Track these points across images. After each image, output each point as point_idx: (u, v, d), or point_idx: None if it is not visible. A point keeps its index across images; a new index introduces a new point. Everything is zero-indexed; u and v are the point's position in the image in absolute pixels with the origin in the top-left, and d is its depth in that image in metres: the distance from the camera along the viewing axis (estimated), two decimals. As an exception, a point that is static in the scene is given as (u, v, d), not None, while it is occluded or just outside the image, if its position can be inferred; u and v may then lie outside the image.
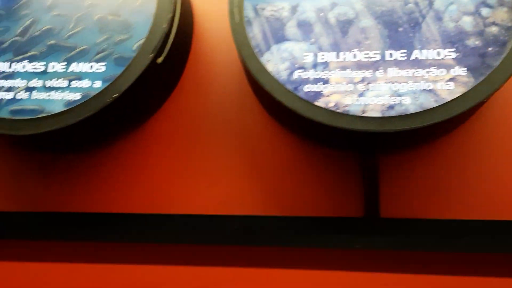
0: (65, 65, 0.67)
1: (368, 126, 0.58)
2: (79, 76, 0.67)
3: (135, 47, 0.67)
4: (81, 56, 0.69)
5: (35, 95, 0.68)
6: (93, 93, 0.64)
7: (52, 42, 0.70)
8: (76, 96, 0.65)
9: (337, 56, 0.64)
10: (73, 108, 0.61)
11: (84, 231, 0.65)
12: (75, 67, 0.66)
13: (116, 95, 0.60)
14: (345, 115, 0.58)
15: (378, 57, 0.63)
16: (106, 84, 0.63)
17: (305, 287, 0.58)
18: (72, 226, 0.66)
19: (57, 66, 0.67)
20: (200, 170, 0.66)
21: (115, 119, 0.65)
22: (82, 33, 0.70)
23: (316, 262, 0.59)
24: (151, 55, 0.61)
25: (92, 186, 0.68)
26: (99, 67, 0.65)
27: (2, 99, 0.69)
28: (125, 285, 0.62)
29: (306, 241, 0.59)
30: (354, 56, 0.64)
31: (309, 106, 0.56)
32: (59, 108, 0.66)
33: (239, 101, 0.68)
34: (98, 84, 0.65)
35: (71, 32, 0.70)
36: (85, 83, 0.65)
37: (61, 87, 0.66)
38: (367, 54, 0.63)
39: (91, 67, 0.65)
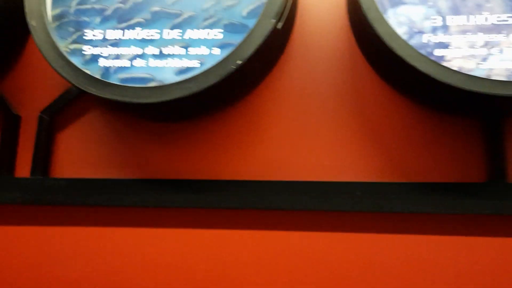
0: (180, 32, 0.66)
1: (495, 89, 0.58)
2: (193, 43, 0.66)
3: (245, 12, 0.66)
4: (189, 22, 0.68)
5: (144, 62, 0.68)
6: (211, 61, 0.63)
7: (156, 8, 0.69)
8: (194, 63, 0.64)
9: (458, 20, 0.62)
10: (196, 76, 0.61)
11: (197, 197, 0.66)
12: (191, 33, 0.65)
13: (240, 62, 0.59)
14: (475, 78, 0.57)
15: (500, 21, 0.62)
16: (226, 51, 0.62)
17: (437, 252, 0.59)
18: (186, 193, 0.67)
19: (171, 33, 0.66)
20: (313, 137, 0.66)
21: (230, 87, 0.65)
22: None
23: (445, 228, 0.59)
24: (273, 21, 0.60)
25: (203, 153, 0.69)
26: (216, 33, 0.64)
27: (110, 66, 0.68)
28: (246, 250, 0.63)
29: (432, 207, 0.59)
30: (475, 19, 0.63)
31: (443, 70, 0.56)
32: (170, 77, 0.66)
33: (349, 65, 0.67)
34: (216, 51, 0.64)
35: (175, -1, 0.69)
36: (202, 50, 0.65)
37: (175, 54, 0.66)
38: (488, 17, 0.62)
39: (208, 33, 0.65)
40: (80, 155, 0.73)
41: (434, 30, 0.63)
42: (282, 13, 0.60)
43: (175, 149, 0.70)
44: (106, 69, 0.68)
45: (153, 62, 0.66)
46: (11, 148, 0.73)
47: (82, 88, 0.62)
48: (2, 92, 0.75)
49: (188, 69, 0.65)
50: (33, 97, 0.75)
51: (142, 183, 0.68)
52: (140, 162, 0.70)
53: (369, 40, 0.65)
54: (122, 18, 0.70)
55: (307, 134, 0.67)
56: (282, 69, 0.70)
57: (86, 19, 0.71)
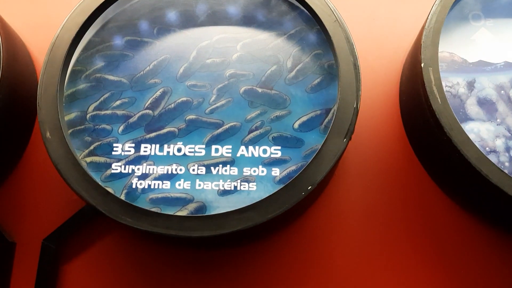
0: (224, 146, 0.56)
1: None
2: (241, 160, 0.57)
3: (297, 125, 0.59)
4: (231, 134, 0.59)
5: (181, 181, 0.57)
6: (265, 181, 0.54)
7: (192, 116, 0.60)
8: (244, 184, 0.55)
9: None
10: (260, 202, 0.51)
11: None
12: (237, 148, 0.56)
13: (311, 187, 0.50)
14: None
15: None
16: (281, 170, 0.54)
17: None
18: None
19: (214, 147, 0.57)
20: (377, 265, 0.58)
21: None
22: (228, 107, 0.60)
23: None
24: (346, 140, 0.52)
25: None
26: (274, 151, 0.56)
27: (136, 185, 0.57)
28: None
29: None
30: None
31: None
32: (213, 197, 0.56)
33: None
34: (275, 172, 0.55)
35: (213, 106, 0.60)
36: (253, 168, 0.56)
37: (218, 174, 0.56)
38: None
39: (264, 151, 0.56)
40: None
41: (507, 149, 0.58)
42: (352, 130, 0.53)
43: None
44: (132, 189, 0.57)
45: (187, 184, 0.56)
46: (5, 284, 0.58)
47: (115, 218, 0.50)
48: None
49: (235, 190, 0.56)
50: (33, 221, 0.61)
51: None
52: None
53: (441, 158, 0.59)
54: (150, 127, 0.60)
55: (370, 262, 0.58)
56: (331, 192, 0.62)
57: (106, 126, 0.60)
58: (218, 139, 0.58)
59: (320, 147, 0.53)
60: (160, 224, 0.50)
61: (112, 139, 0.59)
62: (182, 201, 0.56)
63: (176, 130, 0.59)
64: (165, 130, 0.60)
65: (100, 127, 0.59)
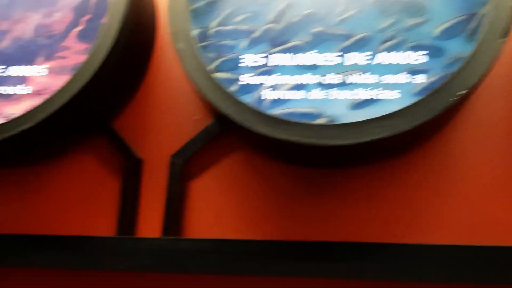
0: (369, 55, 0.53)
1: None
2: (375, 69, 0.53)
3: (437, 32, 0.53)
4: (362, 46, 0.55)
5: (307, 94, 0.54)
6: (407, 91, 0.50)
7: (319, 29, 0.56)
8: (384, 94, 0.51)
9: None
10: (406, 109, 0.47)
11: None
12: (384, 57, 0.52)
13: (462, 92, 0.46)
14: None
15: None
16: (426, 79, 0.49)
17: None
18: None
19: (349, 57, 0.53)
20: None
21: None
22: (357, 17, 0.56)
23: None
24: (501, 41, 0.47)
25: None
26: (418, 57, 0.51)
27: (263, 99, 0.55)
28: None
29: None
30: None
31: None
32: (344, 111, 0.53)
33: None
34: (415, 80, 0.51)
35: (341, 17, 0.56)
36: (394, 78, 0.51)
37: (352, 84, 0.52)
38: None
39: (407, 56, 0.51)
40: (221, 209, 0.58)
41: None
42: (509, 30, 0.47)
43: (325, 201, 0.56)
44: (259, 103, 0.55)
45: (319, 94, 0.53)
46: (134, 202, 0.59)
47: (251, 128, 0.48)
48: (119, 134, 0.61)
49: (372, 102, 0.52)
50: (158, 139, 0.61)
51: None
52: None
53: None
54: (275, 41, 0.57)
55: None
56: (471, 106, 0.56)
57: (229, 42, 0.58)
58: (348, 51, 0.55)
59: (468, 53, 0.48)
60: (298, 133, 0.48)
61: (236, 54, 0.57)
62: (310, 116, 0.53)
63: (302, 43, 0.56)
64: (290, 44, 0.57)
65: (223, 43, 0.58)
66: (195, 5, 0.58)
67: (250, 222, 0.58)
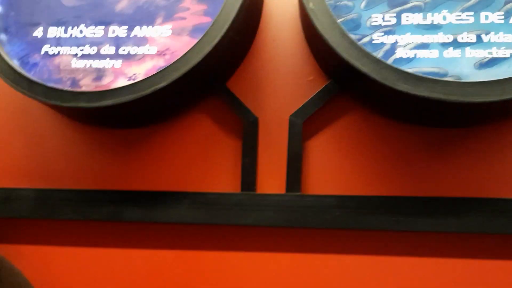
0: (500, 14, 0.54)
1: None
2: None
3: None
4: (485, 6, 0.56)
5: (432, 53, 0.56)
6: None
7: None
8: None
9: None
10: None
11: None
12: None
13: None
14: None
15: None
16: None
17: None
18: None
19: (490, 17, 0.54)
20: None
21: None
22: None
23: None
24: None
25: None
26: None
27: (389, 57, 0.56)
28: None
29: None
30: None
31: None
32: (469, 71, 0.54)
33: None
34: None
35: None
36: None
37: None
38: None
39: None
40: (339, 167, 0.60)
41: None
42: None
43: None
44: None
45: (445, 53, 0.54)
46: (253, 160, 0.61)
47: (391, 86, 0.49)
48: (235, 94, 0.62)
49: (497, 61, 0.53)
50: (272, 99, 0.63)
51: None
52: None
53: None
54: (394, 2, 0.58)
55: None
56: None
57: (347, 3, 0.58)
58: (469, 11, 0.56)
59: None
60: (439, 90, 0.50)
61: (355, 15, 0.58)
62: (435, 75, 0.55)
63: (422, 4, 0.57)
64: (410, 5, 0.58)
65: (341, 3, 0.58)
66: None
67: (368, 179, 0.60)
